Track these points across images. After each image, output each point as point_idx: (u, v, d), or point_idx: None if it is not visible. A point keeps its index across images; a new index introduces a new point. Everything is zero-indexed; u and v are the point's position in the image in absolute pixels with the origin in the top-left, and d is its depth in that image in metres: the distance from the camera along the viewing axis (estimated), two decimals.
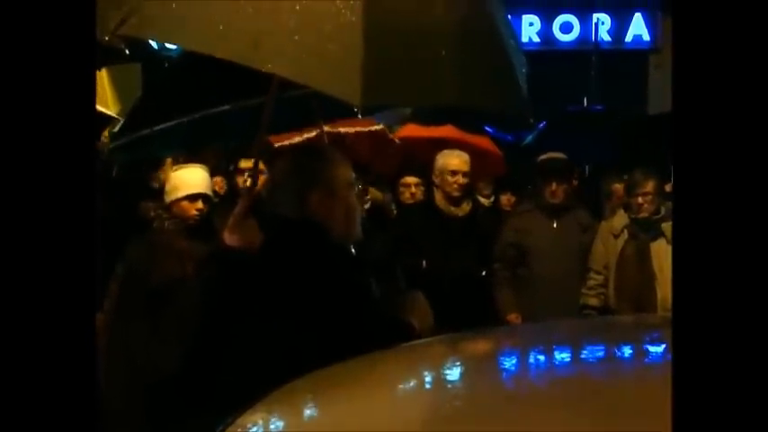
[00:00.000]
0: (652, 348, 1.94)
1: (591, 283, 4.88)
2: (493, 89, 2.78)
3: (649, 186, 4.72)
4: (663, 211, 4.74)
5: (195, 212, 3.89)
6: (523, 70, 2.83)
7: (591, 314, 4.76)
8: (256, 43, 2.37)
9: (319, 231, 2.38)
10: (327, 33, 2.33)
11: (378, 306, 2.43)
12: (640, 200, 4.72)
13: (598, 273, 4.87)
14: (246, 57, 2.43)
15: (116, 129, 5.47)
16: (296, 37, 2.36)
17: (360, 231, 2.54)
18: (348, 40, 2.30)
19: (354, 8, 2.32)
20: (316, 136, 3.73)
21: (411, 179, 5.80)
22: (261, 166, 4.25)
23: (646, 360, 1.82)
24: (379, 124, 6.59)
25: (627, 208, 4.87)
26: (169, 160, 5.29)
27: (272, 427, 1.54)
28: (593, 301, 4.85)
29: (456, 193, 4.86)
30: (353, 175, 2.62)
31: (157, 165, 5.32)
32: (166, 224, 3.98)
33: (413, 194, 5.71)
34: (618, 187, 5.82)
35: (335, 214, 2.44)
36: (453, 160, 4.89)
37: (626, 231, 4.79)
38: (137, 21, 2.43)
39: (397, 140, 6.83)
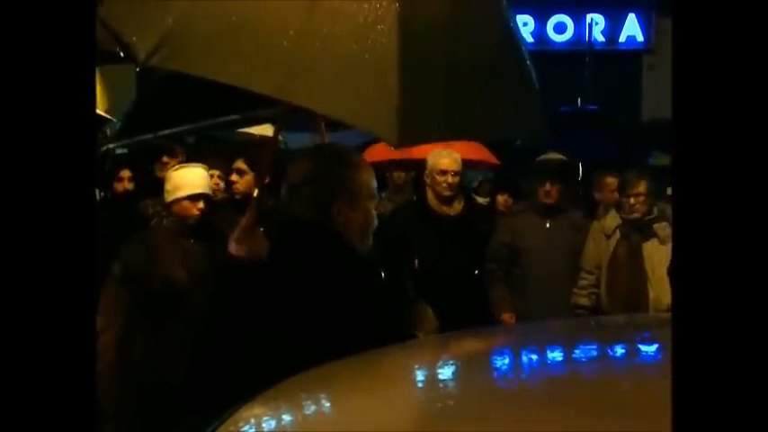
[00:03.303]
0: (645, 348, 1.95)
1: (582, 282, 4.89)
2: (521, 119, 2.76)
3: (641, 187, 4.71)
4: (655, 211, 4.74)
5: (197, 212, 3.90)
6: (538, 90, 2.82)
7: (582, 314, 4.77)
8: (291, 77, 2.33)
9: (338, 239, 2.26)
10: (362, 68, 2.29)
11: (391, 318, 2.33)
12: (632, 200, 4.71)
13: (590, 273, 4.87)
14: (282, 91, 2.39)
15: (114, 130, 5.38)
16: (331, 72, 2.33)
17: (371, 240, 2.39)
18: (384, 75, 2.27)
19: (390, 42, 2.28)
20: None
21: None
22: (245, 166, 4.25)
23: (639, 360, 1.83)
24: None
25: (619, 208, 4.86)
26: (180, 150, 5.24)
27: (264, 424, 1.55)
28: (584, 301, 4.86)
29: (446, 193, 4.87)
30: (375, 182, 2.44)
31: (170, 152, 5.24)
32: (165, 222, 3.98)
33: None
34: (610, 181, 5.63)
35: (354, 223, 2.31)
36: (443, 160, 4.90)
37: (618, 232, 4.78)
38: (168, 51, 2.38)
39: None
